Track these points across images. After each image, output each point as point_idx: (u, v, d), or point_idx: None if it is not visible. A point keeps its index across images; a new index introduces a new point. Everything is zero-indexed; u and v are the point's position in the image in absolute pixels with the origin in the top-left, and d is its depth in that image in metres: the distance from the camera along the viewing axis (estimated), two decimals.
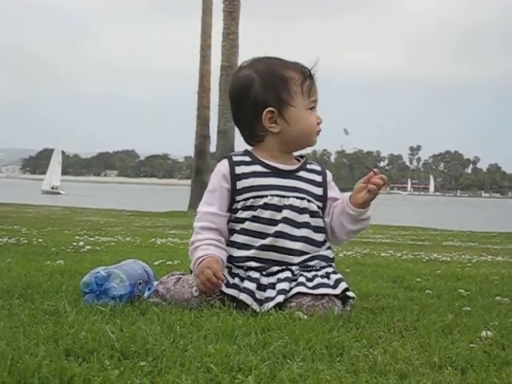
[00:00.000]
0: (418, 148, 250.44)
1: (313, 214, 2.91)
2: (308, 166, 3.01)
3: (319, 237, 2.93)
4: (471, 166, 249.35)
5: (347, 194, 2.96)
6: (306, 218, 2.89)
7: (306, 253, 2.87)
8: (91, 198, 52.49)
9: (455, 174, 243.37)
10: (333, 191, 3.03)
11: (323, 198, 2.97)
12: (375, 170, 2.86)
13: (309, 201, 2.92)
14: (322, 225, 2.95)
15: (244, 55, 22.57)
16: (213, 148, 24.91)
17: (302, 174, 2.97)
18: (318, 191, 2.97)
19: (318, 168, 3.04)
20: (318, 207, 2.95)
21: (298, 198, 2.89)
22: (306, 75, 2.96)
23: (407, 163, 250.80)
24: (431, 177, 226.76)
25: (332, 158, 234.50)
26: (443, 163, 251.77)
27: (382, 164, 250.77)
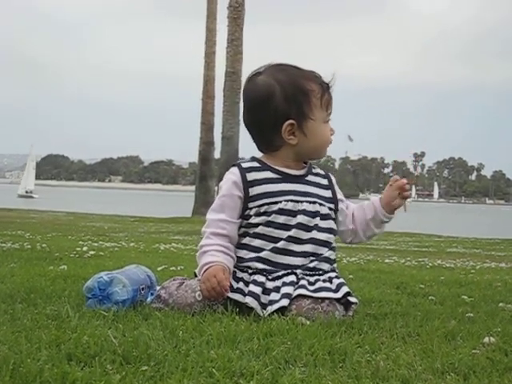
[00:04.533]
0: (422, 154, 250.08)
1: (323, 217, 2.94)
2: (313, 170, 3.04)
3: (327, 237, 2.94)
4: (475, 172, 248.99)
5: (376, 201, 3.05)
6: (317, 220, 2.91)
7: (314, 253, 2.89)
8: (63, 201, 52.82)
9: (459, 181, 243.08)
10: (339, 194, 3.08)
11: (333, 200, 3.02)
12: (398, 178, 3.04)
13: (320, 204, 2.94)
14: (332, 226, 2.98)
15: (248, 61, 22.62)
16: (217, 154, 24.96)
17: (310, 178, 3.00)
18: (327, 193, 3.01)
19: (322, 172, 3.08)
20: (330, 209, 2.99)
21: (310, 202, 2.92)
22: (324, 87, 2.96)
23: (411, 170, 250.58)
24: (435, 183, 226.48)
25: (336, 165, 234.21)
26: (447, 170, 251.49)
27: (386, 170, 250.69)
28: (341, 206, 3.06)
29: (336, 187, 3.08)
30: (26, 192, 78.99)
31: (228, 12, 22.93)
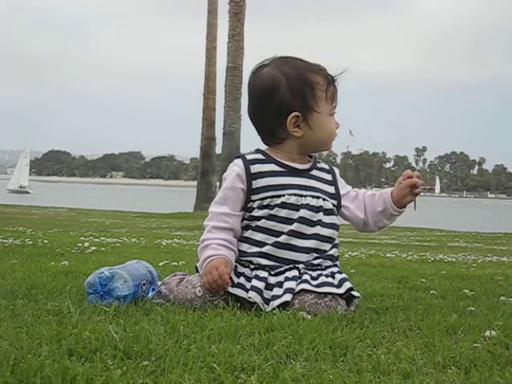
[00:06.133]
0: (424, 149, 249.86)
1: (327, 212, 2.93)
2: (318, 165, 3.04)
3: (331, 233, 2.94)
4: (477, 166, 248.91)
5: (387, 194, 3.03)
6: (320, 216, 2.91)
7: (317, 249, 2.89)
8: (59, 196, 53.07)
9: (461, 175, 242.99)
10: (344, 188, 3.08)
11: (336, 196, 3.01)
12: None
13: (324, 199, 2.94)
14: (335, 221, 2.97)
15: (249, 57, 22.60)
16: (218, 149, 24.97)
17: (314, 172, 2.99)
18: (331, 189, 3.00)
19: (327, 166, 3.07)
20: (333, 205, 2.98)
21: (313, 196, 2.91)
22: (329, 80, 2.96)
23: (413, 164, 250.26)
24: (437, 178, 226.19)
25: (338, 159, 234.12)
26: (449, 164, 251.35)
27: (387, 165, 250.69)
28: (344, 202, 3.04)
29: (340, 181, 3.07)
30: (20, 187, 79.91)
31: (229, 7, 22.93)
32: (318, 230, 2.89)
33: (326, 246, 2.92)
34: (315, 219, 2.89)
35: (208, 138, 26.11)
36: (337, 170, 3.10)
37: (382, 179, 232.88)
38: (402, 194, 3.00)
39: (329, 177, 3.03)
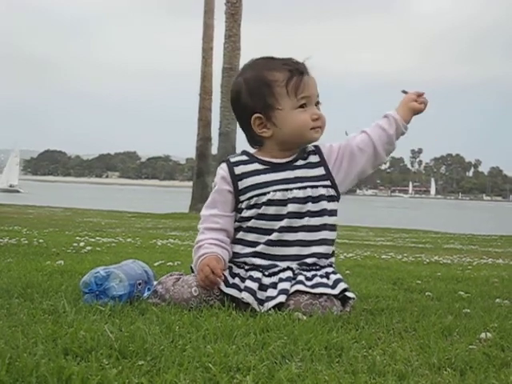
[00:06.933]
0: (420, 151, 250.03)
1: (315, 200, 2.90)
2: (304, 152, 2.99)
3: (319, 221, 2.91)
4: (473, 169, 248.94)
5: (395, 113, 3.04)
6: (309, 206, 2.89)
7: (309, 241, 2.88)
8: (51, 196, 53.14)
9: (457, 177, 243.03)
10: (332, 152, 3.00)
11: (327, 176, 2.95)
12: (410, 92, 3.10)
13: (312, 187, 2.91)
14: (324, 207, 2.92)
15: (246, 57, 22.57)
16: (214, 150, 24.92)
17: (299, 162, 2.97)
18: (320, 171, 2.95)
19: (312, 148, 3.01)
20: (324, 186, 2.93)
21: (300, 188, 2.89)
22: (293, 73, 2.92)
23: (409, 166, 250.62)
24: (432, 180, 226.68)
25: None
26: (445, 166, 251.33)
27: (383, 167, 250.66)
28: (339, 165, 2.96)
29: (327, 155, 2.98)
30: (10, 186, 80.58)
31: (225, 8, 22.91)
32: (307, 221, 2.88)
33: (317, 236, 2.90)
34: (304, 210, 2.89)
35: (204, 139, 26.07)
36: (321, 144, 3.01)
37: (378, 180, 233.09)
38: (410, 99, 3.04)
39: (315, 158, 2.98)
